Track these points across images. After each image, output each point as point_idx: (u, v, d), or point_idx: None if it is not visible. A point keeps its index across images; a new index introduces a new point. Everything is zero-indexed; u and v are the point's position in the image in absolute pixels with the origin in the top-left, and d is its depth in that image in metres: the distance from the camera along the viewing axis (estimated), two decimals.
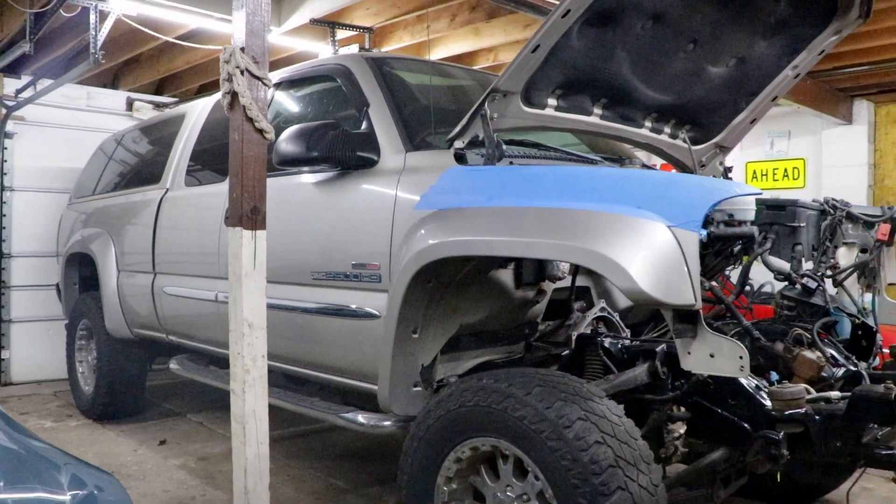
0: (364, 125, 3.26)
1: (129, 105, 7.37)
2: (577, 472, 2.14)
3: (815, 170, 7.96)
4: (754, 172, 8.25)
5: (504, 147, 2.79)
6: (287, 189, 3.46)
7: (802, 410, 2.39)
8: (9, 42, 5.45)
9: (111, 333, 5.16)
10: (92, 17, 4.67)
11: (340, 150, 3.07)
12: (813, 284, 3.29)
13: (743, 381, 2.57)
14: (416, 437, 2.62)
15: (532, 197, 2.48)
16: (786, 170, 8.04)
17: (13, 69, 6.55)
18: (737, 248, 2.95)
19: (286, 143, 3.07)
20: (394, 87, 3.38)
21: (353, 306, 3.07)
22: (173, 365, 4.60)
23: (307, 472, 4.36)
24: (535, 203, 2.44)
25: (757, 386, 2.57)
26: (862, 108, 7.82)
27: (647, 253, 2.13)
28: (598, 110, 3.30)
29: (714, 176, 4.04)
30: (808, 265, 3.51)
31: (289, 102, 3.97)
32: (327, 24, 4.64)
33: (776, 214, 3.62)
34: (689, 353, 2.23)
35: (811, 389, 2.66)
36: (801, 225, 3.56)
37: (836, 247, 3.58)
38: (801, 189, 7.87)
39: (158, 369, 6.72)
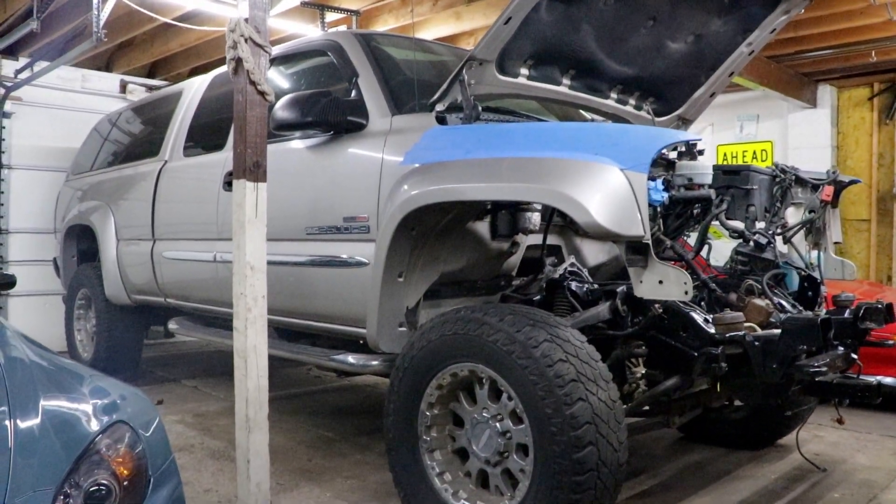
0: (354, 94, 3.55)
1: (123, 87, 7.62)
2: (543, 385, 2.45)
3: (782, 152, 8.34)
4: (725, 155, 8.61)
5: (480, 109, 3.09)
6: (283, 154, 3.73)
7: (741, 333, 2.71)
8: (10, 25, 5.66)
9: (110, 300, 5.42)
10: None
11: (332, 115, 3.36)
12: (764, 241, 3.60)
13: (693, 315, 2.90)
14: (401, 368, 2.92)
15: (504, 149, 2.79)
16: (755, 152, 8.41)
17: (11, 51, 6.77)
18: (696, 210, 3.28)
19: (282, 109, 3.35)
20: (381, 60, 3.68)
21: (345, 256, 3.36)
22: (172, 325, 4.87)
23: (299, 425, 4.65)
24: (506, 154, 2.75)
25: (705, 319, 2.89)
26: (825, 92, 8.21)
27: (603, 192, 2.45)
28: (567, 80, 3.61)
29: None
30: (760, 225, 3.83)
31: (284, 76, 4.25)
32: (317, 7, 4.92)
33: (731, 179, 3.93)
34: (640, 281, 2.54)
35: (756, 328, 2.98)
36: (754, 188, 3.88)
37: (785, 207, 3.91)
38: None
39: (153, 343, 7.01)
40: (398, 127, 3.28)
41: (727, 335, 2.73)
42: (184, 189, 4.69)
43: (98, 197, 5.68)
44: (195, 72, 8.03)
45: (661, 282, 2.50)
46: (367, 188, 3.26)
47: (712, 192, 3.21)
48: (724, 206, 3.54)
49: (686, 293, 2.47)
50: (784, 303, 3.35)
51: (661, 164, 4.13)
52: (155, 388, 5.70)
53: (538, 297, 3.34)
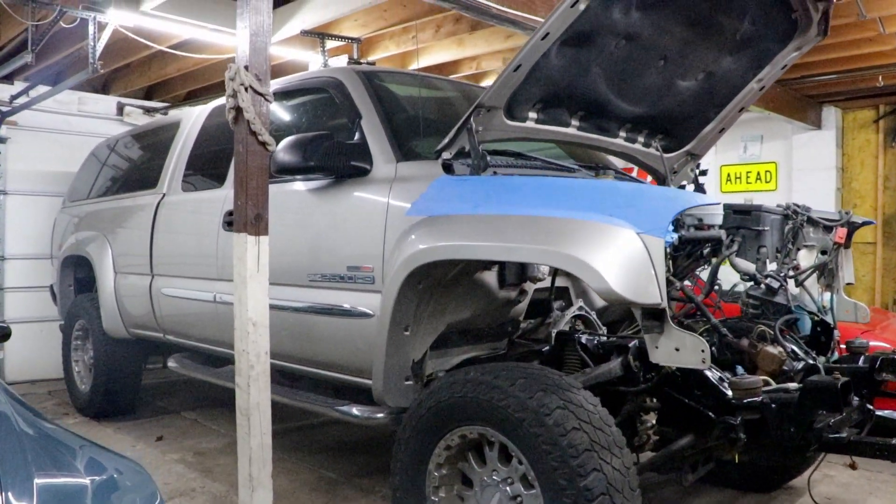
0: (357, 136, 3.47)
1: (120, 110, 7.55)
2: (557, 456, 2.36)
3: (786, 173, 8.28)
4: (728, 175, 8.55)
5: (488, 158, 3.01)
6: (283, 195, 3.65)
7: (759, 399, 2.63)
8: (7, 52, 5.58)
9: (108, 333, 5.32)
10: (91, 28, 4.83)
11: (335, 160, 3.28)
12: (776, 284, 3.52)
13: (707, 373, 2.82)
14: (408, 426, 2.83)
15: (514, 205, 2.71)
16: (758, 173, 8.34)
17: (6, 75, 6.68)
18: (706, 251, 3.21)
19: (283, 152, 3.26)
20: (384, 100, 3.60)
21: (348, 306, 3.28)
22: (172, 363, 4.78)
23: (301, 465, 4.56)
24: (516, 211, 2.67)
25: (720, 378, 2.81)
26: (830, 113, 8.14)
27: (618, 257, 2.37)
28: (575, 122, 3.54)
29: (686, 182, 4.31)
30: (771, 266, 3.76)
31: (283, 112, 4.17)
32: (317, 35, 4.84)
33: (742, 219, 3.86)
34: (656, 347, 2.47)
35: (771, 381, 2.91)
36: (766, 228, 3.81)
37: (797, 249, 3.84)
38: (772, 191, 8.15)
39: (152, 368, 6.91)
40: (404, 175, 3.20)
41: (745, 401, 2.65)
42: (182, 225, 4.60)
43: (95, 227, 5.59)
44: (192, 94, 7.98)
45: (677, 349, 2.43)
46: (371, 238, 3.18)
47: (723, 233, 3.13)
48: (735, 246, 3.48)
49: (703, 361, 2.39)
50: (797, 349, 3.27)
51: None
52: (154, 422, 5.61)
53: (546, 349, 3.26)
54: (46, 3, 4.65)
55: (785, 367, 3.08)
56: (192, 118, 4.98)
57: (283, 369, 3.83)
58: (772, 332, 3.21)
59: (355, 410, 3.38)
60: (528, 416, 2.44)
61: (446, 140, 3.06)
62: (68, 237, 6.02)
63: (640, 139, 3.94)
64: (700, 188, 4.24)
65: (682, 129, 4.02)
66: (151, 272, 4.81)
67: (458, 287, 3.13)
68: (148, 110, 7.63)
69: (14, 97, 6.65)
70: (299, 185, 3.63)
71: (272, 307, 3.40)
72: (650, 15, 3.09)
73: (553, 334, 3.37)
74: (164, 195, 4.85)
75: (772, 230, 3.88)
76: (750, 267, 3.67)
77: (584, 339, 3.12)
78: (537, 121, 3.34)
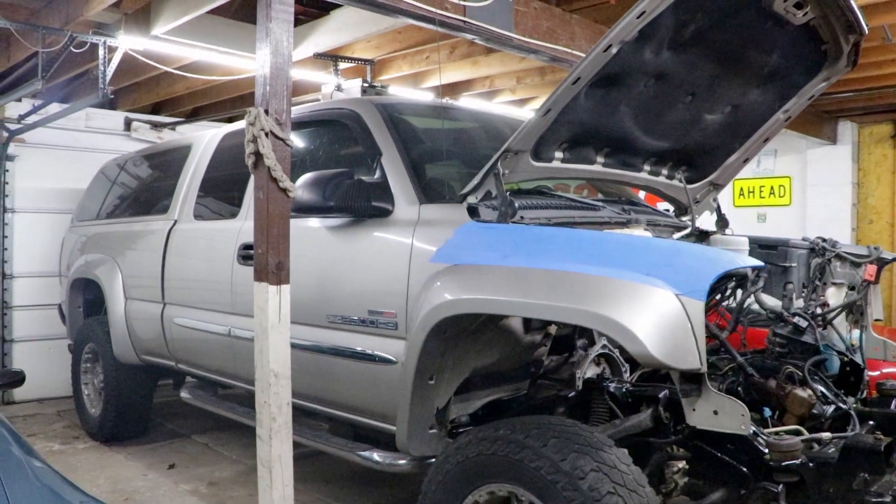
0: (377, 174, 3.39)
1: (128, 125, 7.47)
2: None
3: (800, 188, 8.19)
4: (741, 190, 8.46)
5: (516, 204, 2.94)
6: (302, 232, 3.57)
7: (798, 461, 2.55)
8: (17, 76, 5.51)
9: (119, 359, 5.25)
10: (101, 52, 4.76)
11: (356, 200, 3.20)
12: (804, 323, 3.44)
13: None
14: (434, 480, 2.76)
15: (544, 258, 2.63)
16: (772, 187, 8.25)
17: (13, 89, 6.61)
18: (731, 286, 3.14)
19: (302, 190, 3.18)
20: (405, 136, 3.52)
21: (370, 351, 3.21)
22: (184, 394, 4.71)
23: (314, 497, 4.49)
24: (547, 264, 2.59)
25: (755, 432, 2.73)
26: (846, 128, 8.04)
27: (656, 319, 2.29)
28: (600, 159, 3.47)
29: (708, 211, 4.23)
30: (798, 303, 3.68)
31: (298, 143, 4.09)
32: (330, 58, 4.76)
33: (768, 254, 3.81)
34: (693, 409, 2.40)
35: (803, 430, 2.83)
36: (792, 265, 3.74)
37: (825, 284, 3.76)
38: (786, 206, 8.08)
39: (161, 385, 6.84)
40: (427, 218, 3.12)
41: (783, 463, 2.57)
42: (195, 256, 4.53)
43: (105, 250, 5.52)
44: (197, 111, 7.89)
45: (715, 412, 2.36)
46: (394, 282, 3.10)
47: (748, 270, 3.05)
48: (761, 283, 3.40)
49: (743, 427, 2.32)
50: (826, 392, 3.20)
51: (694, 236, 4.01)
52: (165, 447, 5.55)
53: (573, 395, 3.19)
54: (57, 29, 4.57)
55: (815, 411, 3.02)
56: (204, 142, 4.90)
57: (299, 407, 3.77)
58: (800, 374, 3.14)
59: (377, 456, 3.31)
60: (562, 478, 2.37)
61: (472, 184, 2.99)
62: (77, 258, 5.95)
63: (664, 172, 3.88)
64: (722, 218, 4.16)
65: (705, 161, 3.95)
66: (163, 300, 4.73)
67: (483, 333, 3.06)
68: (155, 125, 7.55)
69: (23, 116, 6.57)
70: (317, 222, 3.55)
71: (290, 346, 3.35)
72: (680, 54, 3.02)
73: (578, 377, 3.30)
74: (175, 222, 4.77)
75: (798, 266, 3.81)
76: (776, 304, 3.61)
77: (612, 387, 3.04)
78: (563, 160, 3.28)
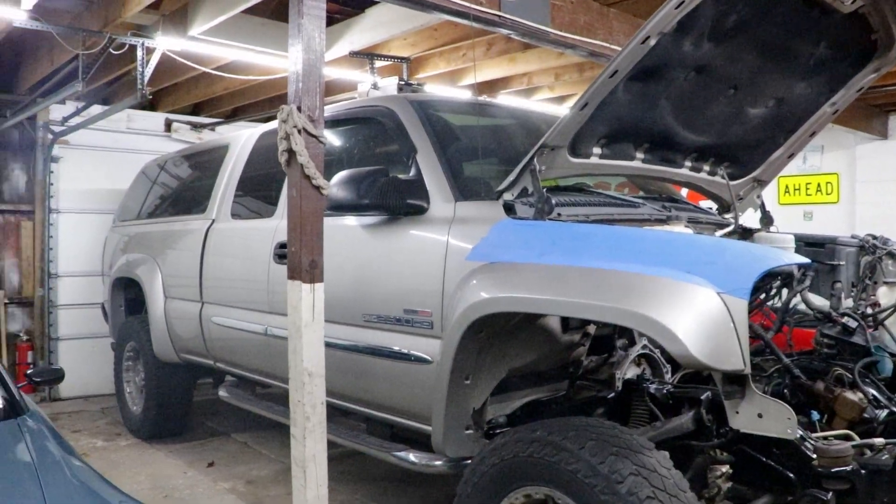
0: (412, 171, 3.36)
1: (168, 126, 7.56)
2: None
3: (848, 184, 7.94)
4: (787, 187, 8.25)
5: (553, 200, 2.87)
6: (337, 230, 3.56)
7: (849, 468, 2.45)
8: (57, 83, 5.60)
9: (159, 357, 5.31)
10: (139, 54, 4.81)
11: (391, 198, 3.17)
12: (854, 324, 3.31)
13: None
14: (469, 482, 2.71)
15: (582, 255, 2.57)
16: (819, 184, 8.03)
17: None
18: (776, 285, 3.04)
19: (337, 188, 3.16)
20: (440, 133, 3.48)
21: (406, 350, 3.17)
22: (222, 393, 4.74)
23: (352, 498, 4.47)
24: (585, 262, 2.53)
25: (802, 436, 2.63)
26: None
27: (698, 318, 2.21)
28: (640, 155, 3.39)
29: (752, 208, 4.11)
30: (847, 302, 3.55)
31: (333, 141, 4.08)
32: (366, 56, 4.74)
33: (815, 252, 3.68)
34: (737, 412, 2.31)
35: (854, 436, 2.72)
36: (841, 263, 3.62)
37: (875, 283, 3.62)
38: (834, 204, 7.85)
39: (203, 383, 6.91)
40: (463, 216, 3.08)
41: (832, 470, 2.47)
42: (232, 255, 4.54)
43: (145, 249, 5.59)
44: (239, 111, 7.95)
45: (760, 415, 2.27)
46: (429, 281, 3.06)
47: (794, 267, 2.93)
48: (808, 282, 3.29)
49: (789, 431, 2.23)
50: (878, 395, 3.07)
51: (737, 233, 3.90)
52: (205, 444, 5.60)
53: (612, 396, 3.12)
54: (96, 31, 4.63)
55: (866, 415, 2.90)
56: (241, 142, 4.92)
57: (335, 406, 3.76)
58: (850, 376, 3.02)
59: (412, 457, 3.28)
60: (600, 482, 2.31)
61: (508, 181, 2.94)
62: (119, 257, 6.03)
63: (706, 168, 3.77)
64: (766, 215, 4.04)
65: (749, 156, 3.84)
66: (201, 299, 4.77)
67: (520, 333, 3.00)
68: (195, 126, 7.63)
69: (66, 118, 6.69)
70: (353, 220, 3.53)
71: (326, 345, 3.33)
72: (722, 45, 2.93)
73: (617, 377, 3.23)
74: (213, 221, 4.80)
75: (847, 264, 3.68)
76: (824, 304, 3.48)
77: (652, 388, 2.97)
78: (601, 156, 3.20)
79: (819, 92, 3.55)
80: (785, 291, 3.07)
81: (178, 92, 7.34)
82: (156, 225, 5.63)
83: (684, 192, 4.50)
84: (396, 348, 3.22)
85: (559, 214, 2.95)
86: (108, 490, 2.38)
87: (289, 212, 2.93)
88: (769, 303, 3.20)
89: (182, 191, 5.75)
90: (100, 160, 7.15)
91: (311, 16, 2.82)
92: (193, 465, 5.09)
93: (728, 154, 3.76)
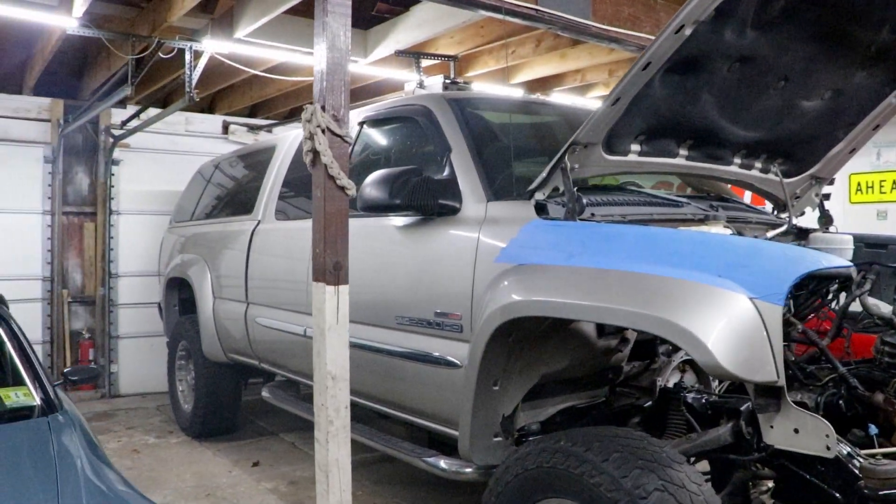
0: (446, 171, 3.28)
1: (225, 128, 7.68)
2: None
3: None
4: (858, 185, 7.81)
5: (584, 200, 2.75)
6: (372, 230, 3.52)
7: None
8: (114, 82, 5.74)
9: (208, 357, 5.37)
10: (187, 57, 4.87)
11: (422, 198, 3.10)
12: None
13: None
14: (493, 492, 2.62)
15: (611, 257, 2.44)
16: (894, 181, 7.56)
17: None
18: (833, 288, 2.84)
19: (370, 188, 3.12)
20: (476, 131, 3.39)
21: (436, 354, 3.10)
22: (265, 393, 4.76)
23: (388, 501, 4.41)
24: (614, 265, 2.40)
25: (849, 454, 2.44)
26: None
27: (728, 326, 2.06)
28: (683, 151, 3.23)
29: (810, 207, 3.89)
30: None
31: (373, 141, 4.04)
32: (412, 55, 4.68)
33: (876, 253, 3.45)
34: (771, 426, 2.16)
35: None
36: None
37: None
38: None
39: (254, 383, 6.97)
40: (494, 216, 2.99)
41: (880, 492, 2.27)
42: (275, 255, 4.55)
43: (196, 250, 5.67)
44: (294, 112, 8.03)
45: (796, 430, 2.11)
46: (459, 283, 2.98)
47: (853, 269, 2.73)
48: (868, 285, 3.08)
49: (828, 448, 2.06)
50: None
51: (793, 234, 3.68)
52: (252, 444, 5.64)
53: (649, 404, 2.98)
54: (145, 36, 4.71)
55: None
56: (287, 143, 4.92)
57: (370, 409, 3.71)
58: None
59: (443, 464, 3.20)
60: (622, 497, 2.18)
61: (539, 180, 2.83)
62: (174, 257, 6.14)
63: (758, 165, 3.57)
64: (826, 215, 3.81)
65: (805, 152, 3.62)
66: (246, 300, 4.79)
67: (553, 337, 2.89)
68: (252, 128, 7.74)
69: (125, 122, 6.86)
70: (387, 221, 3.47)
71: (358, 346, 3.29)
72: (768, 33, 2.74)
73: (658, 385, 3.08)
74: (258, 222, 4.82)
75: None
76: (885, 309, 3.25)
77: (690, 398, 2.81)
78: (641, 153, 3.05)
79: (882, 82, 3.31)
80: (844, 295, 2.89)
81: (234, 94, 7.45)
82: (207, 226, 5.70)
83: (749, 195, 4.28)
84: (425, 351, 3.14)
85: (592, 214, 2.83)
86: (129, 492, 2.38)
87: (314, 213, 2.89)
88: (826, 307, 3.01)
89: (232, 192, 5.81)
90: (159, 163, 7.32)
91: (336, 13, 2.77)
92: (239, 463, 5.13)
93: (782, 150, 3.55)
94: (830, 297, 2.90)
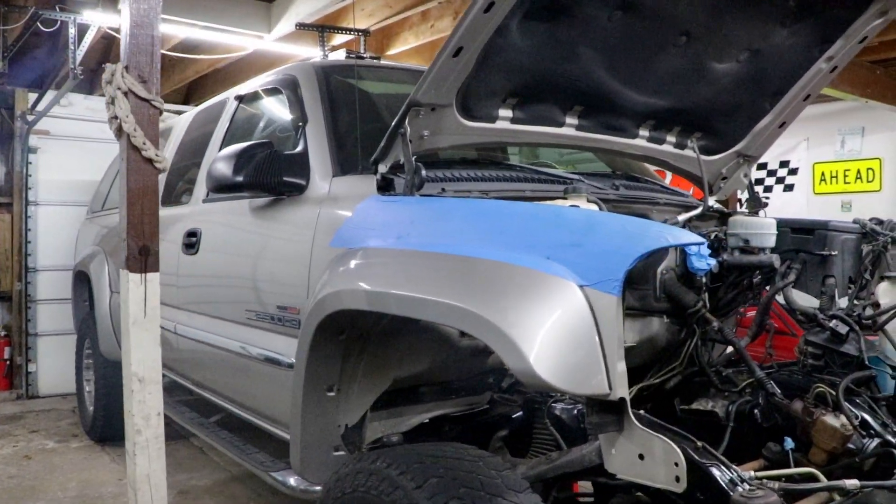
0: (300, 145, 2.85)
1: None
2: None
3: (892, 171, 6.99)
4: (822, 174, 7.35)
5: (427, 173, 2.31)
6: (230, 212, 3.13)
7: None
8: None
9: (105, 355, 4.96)
10: (71, 31, 4.45)
11: (265, 175, 2.67)
12: (844, 329, 2.63)
13: (715, 471, 2.00)
14: None
15: (439, 238, 2.01)
16: (859, 171, 7.09)
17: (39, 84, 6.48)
18: (755, 280, 2.43)
19: (216, 164, 2.71)
20: (338, 102, 2.95)
21: (276, 354, 2.68)
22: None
23: None
24: (439, 246, 1.97)
25: (731, 481, 1.99)
26: None
27: (549, 323, 1.62)
28: (572, 120, 2.78)
29: (739, 189, 3.46)
30: (842, 303, 2.88)
31: (247, 118, 3.62)
32: (315, 28, 4.24)
33: (803, 240, 3.02)
34: (612, 451, 1.71)
35: (818, 475, 2.06)
36: (834, 253, 2.94)
37: (876, 280, 2.93)
38: (876, 192, 6.93)
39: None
40: (336, 193, 2.56)
41: None
42: None
43: (98, 241, 5.26)
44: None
45: (641, 456, 1.67)
46: (297, 273, 2.56)
47: (776, 258, 2.31)
48: (793, 276, 2.66)
49: (677, 480, 1.62)
50: (869, 418, 2.39)
51: (712, 217, 3.24)
52: None
53: (517, 416, 2.55)
54: (20, 6, 4.28)
55: (851, 445, 2.23)
56: (179, 126, 4.51)
57: (229, 412, 3.31)
58: (834, 394, 2.35)
59: (291, 480, 2.76)
60: None
61: (379, 150, 2.39)
62: (82, 250, 5.73)
63: (671, 139, 3.13)
64: (755, 198, 3.37)
65: (727, 125, 3.17)
66: None
67: (400, 336, 2.45)
68: (179, 113, 7.30)
69: (33, 105, 6.42)
70: (244, 203, 3.04)
71: (210, 344, 2.90)
72: None
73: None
74: None
75: (843, 255, 2.98)
76: (810, 303, 2.81)
77: (558, 409, 2.37)
78: (513, 120, 2.61)
79: (808, 43, 2.87)
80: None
81: (162, 78, 7.01)
82: (108, 216, 5.29)
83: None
84: (267, 351, 2.72)
85: (443, 190, 2.39)
86: None
87: (119, 189, 2.46)
88: (746, 303, 2.60)
89: None
90: (83, 151, 6.86)
91: None
92: None
93: (699, 122, 3.11)
94: (753, 287, 2.49)
